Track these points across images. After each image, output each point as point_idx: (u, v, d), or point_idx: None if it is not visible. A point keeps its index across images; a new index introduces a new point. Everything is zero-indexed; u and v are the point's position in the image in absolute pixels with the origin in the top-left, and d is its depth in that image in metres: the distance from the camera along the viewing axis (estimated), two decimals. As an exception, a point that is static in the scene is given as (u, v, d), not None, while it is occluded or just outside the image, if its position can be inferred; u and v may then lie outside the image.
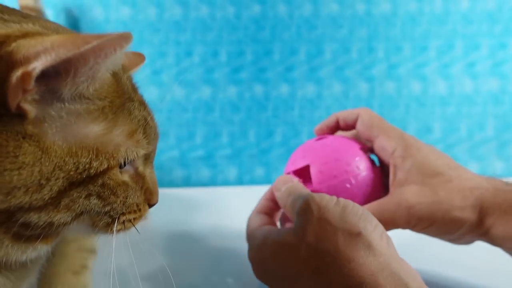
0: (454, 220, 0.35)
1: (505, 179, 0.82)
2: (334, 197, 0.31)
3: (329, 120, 0.45)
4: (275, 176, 0.81)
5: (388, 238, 0.29)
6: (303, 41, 0.80)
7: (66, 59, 0.19)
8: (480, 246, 0.39)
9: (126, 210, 0.25)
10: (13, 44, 0.19)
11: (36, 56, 0.18)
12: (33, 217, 0.21)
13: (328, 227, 0.28)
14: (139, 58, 0.33)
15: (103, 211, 0.24)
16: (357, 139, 0.43)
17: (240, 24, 0.79)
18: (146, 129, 0.26)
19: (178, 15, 0.78)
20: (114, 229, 0.25)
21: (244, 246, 0.37)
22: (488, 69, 0.81)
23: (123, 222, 0.26)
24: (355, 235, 0.28)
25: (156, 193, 0.30)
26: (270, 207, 0.40)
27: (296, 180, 0.38)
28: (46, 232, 0.22)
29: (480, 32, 0.80)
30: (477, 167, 0.81)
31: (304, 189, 0.35)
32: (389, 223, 0.35)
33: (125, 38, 0.22)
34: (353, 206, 0.30)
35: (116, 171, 0.24)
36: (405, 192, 0.36)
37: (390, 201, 0.36)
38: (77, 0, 0.77)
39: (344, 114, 0.44)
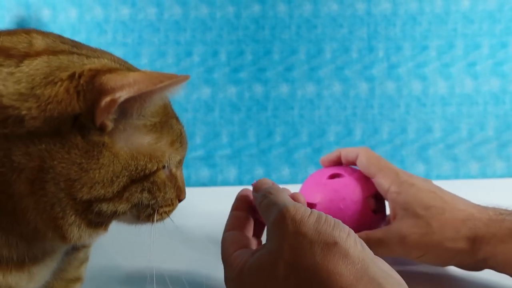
0: (447, 250, 0.38)
1: (505, 180, 0.82)
2: (308, 209, 0.31)
3: (333, 155, 0.50)
4: (275, 175, 0.81)
5: (362, 241, 0.29)
6: (303, 40, 0.79)
7: (143, 93, 0.26)
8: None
9: (164, 203, 0.31)
10: (103, 77, 0.26)
11: (122, 88, 0.25)
12: (104, 207, 0.27)
13: (304, 241, 0.28)
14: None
15: (150, 203, 0.30)
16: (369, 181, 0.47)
17: (240, 23, 0.79)
18: (181, 139, 0.32)
19: (177, 15, 0.78)
20: (155, 218, 0.31)
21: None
22: (489, 69, 0.81)
23: (161, 213, 0.32)
24: (332, 245, 0.27)
25: (184, 190, 0.35)
26: (241, 219, 0.38)
27: (275, 185, 0.38)
28: (109, 219, 0.29)
29: (481, 31, 0.80)
30: (478, 167, 0.81)
31: (281, 195, 0.34)
32: (387, 251, 0.40)
33: (187, 78, 0.28)
34: (326, 217, 0.30)
35: (162, 171, 0.30)
36: (401, 224, 0.40)
37: (388, 231, 0.41)
38: (76, 1, 0.77)
39: (346, 151, 0.48)
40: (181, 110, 0.79)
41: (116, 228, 0.40)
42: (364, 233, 0.41)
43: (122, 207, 0.28)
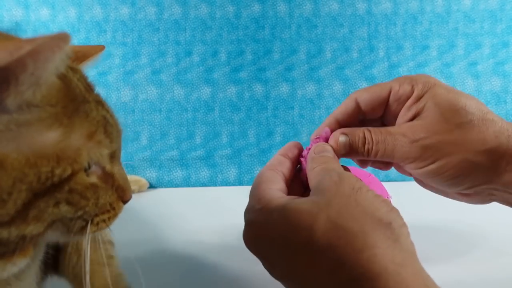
0: (463, 163, 0.30)
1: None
2: (368, 186, 0.28)
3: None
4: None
5: (412, 241, 0.26)
6: (303, 40, 0.79)
7: (1, 68, 0.18)
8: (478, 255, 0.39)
9: (99, 211, 0.25)
10: None
11: None
12: (3, 233, 0.21)
13: (357, 207, 0.25)
14: (96, 49, 0.32)
15: (76, 216, 0.24)
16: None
17: (240, 23, 0.79)
18: (107, 128, 0.25)
19: (177, 15, 0.78)
20: (88, 231, 0.25)
21: (244, 245, 0.36)
22: (490, 69, 0.80)
23: (97, 223, 0.25)
24: (384, 224, 0.25)
25: (128, 189, 0.28)
26: (285, 165, 0.33)
27: (334, 155, 0.32)
28: (21, 245, 0.22)
29: (482, 31, 0.80)
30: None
31: (340, 167, 0.30)
32: (385, 158, 0.32)
33: (62, 39, 0.20)
34: (385, 199, 0.27)
35: (82, 175, 0.23)
36: (414, 124, 0.32)
37: (395, 129, 0.32)
38: (75, 1, 0.77)
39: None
40: (181, 110, 0.79)
41: (116, 228, 0.40)
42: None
43: (31, 228, 0.22)
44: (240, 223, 0.42)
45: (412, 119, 0.32)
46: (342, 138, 0.33)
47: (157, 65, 0.78)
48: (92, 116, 0.24)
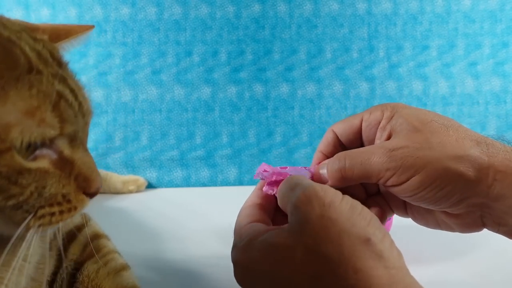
0: (446, 172, 0.28)
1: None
2: (339, 193, 0.26)
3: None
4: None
5: (399, 251, 0.25)
6: (303, 40, 0.79)
7: None
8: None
9: (45, 202, 0.22)
10: None
11: None
12: None
13: (332, 228, 0.24)
14: (83, 28, 0.30)
15: (7, 205, 0.20)
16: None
17: (240, 23, 0.79)
18: (60, 105, 0.22)
19: (178, 15, 0.78)
20: (33, 223, 0.21)
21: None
22: (490, 69, 0.80)
23: (43, 216, 0.22)
24: (364, 242, 0.24)
25: (94, 179, 0.24)
26: (266, 198, 0.34)
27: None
28: None
29: (482, 31, 0.80)
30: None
31: (305, 179, 0.29)
32: (365, 173, 0.31)
33: None
34: (362, 208, 0.26)
35: (11, 156, 0.20)
36: (390, 140, 0.31)
37: (371, 148, 0.31)
38: (75, 0, 0.77)
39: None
40: (182, 110, 0.79)
41: (116, 228, 0.40)
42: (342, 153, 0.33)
43: None
44: (240, 223, 0.42)
45: (388, 138, 0.32)
46: (323, 170, 0.33)
47: (157, 65, 0.78)
48: (39, 89, 0.21)
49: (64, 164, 0.22)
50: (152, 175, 0.78)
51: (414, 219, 0.36)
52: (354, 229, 0.24)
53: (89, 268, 0.31)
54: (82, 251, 0.32)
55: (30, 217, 0.21)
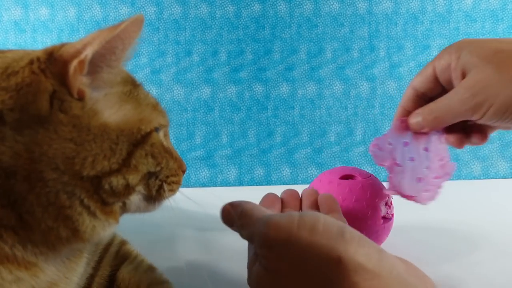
0: None
1: (508, 180, 0.81)
2: (294, 214, 0.26)
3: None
4: (275, 176, 0.81)
5: (380, 251, 0.25)
6: (303, 40, 0.79)
7: (108, 43, 0.26)
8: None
9: (170, 173, 0.31)
10: (61, 50, 0.26)
11: (84, 47, 0.25)
12: (114, 181, 0.27)
13: (297, 257, 0.24)
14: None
15: (156, 171, 0.29)
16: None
17: (240, 23, 0.78)
18: (160, 105, 0.32)
19: (177, 14, 0.78)
20: (166, 189, 0.30)
21: (244, 245, 0.36)
22: (491, 68, 0.80)
23: (170, 183, 0.31)
24: (335, 262, 0.23)
25: (183, 161, 0.34)
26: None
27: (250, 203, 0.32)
28: (122, 198, 0.28)
29: (484, 30, 0.79)
30: (480, 167, 0.80)
31: (256, 211, 0.30)
32: (454, 117, 0.35)
33: (139, 19, 0.27)
34: (324, 223, 0.25)
35: (156, 134, 0.30)
36: (466, 79, 0.33)
37: (451, 95, 0.34)
38: (75, 0, 0.76)
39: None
40: (181, 110, 0.79)
41: (117, 230, 0.40)
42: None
43: (132, 178, 0.28)
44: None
45: (462, 78, 0.34)
46: (413, 120, 0.37)
47: (157, 65, 0.78)
48: (148, 95, 0.31)
49: (167, 150, 0.31)
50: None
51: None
52: (321, 250, 0.24)
53: (125, 270, 0.36)
54: (115, 257, 0.38)
55: (165, 184, 0.30)
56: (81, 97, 0.26)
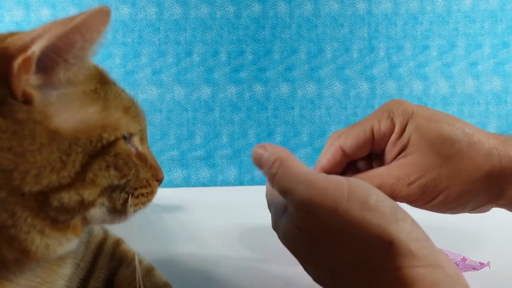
0: (465, 192, 0.30)
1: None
2: (344, 183, 0.24)
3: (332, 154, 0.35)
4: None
5: (427, 238, 0.24)
6: (303, 40, 0.79)
7: (62, 36, 0.22)
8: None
9: (138, 184, 0.27)
10: (6, 41, 0.21)
11: (32, 41, 0.21)
12: (65, 197, 0.23)
13: (339, 230, 0.22)
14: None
15: (121, 183, 0.26)
16: None
17: (240, 23, 0.79)
18: (136, 108, 0.28)
19: (178, 15, 0.78)
20: (130, 203, 0.27)
21: (244, 245, 0.36)
22: (491, 69, 0.80)
23: (138, 196, 0.27)
24: (387, 245, 0.22)
25: (160, 169, 0.31)
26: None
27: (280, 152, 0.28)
28: (76, 215, 0.24)
29: (483, 31, 0.80)
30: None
31: (295, 169, 0.26)
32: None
33: (104, 12, 0.23)
34: (376, 199, 0.23)
35: (123, 142, 0.26)
36: (405, 164, 0.31)
37: (388, 173, 0.31)
38: (76, 0, 0.77)
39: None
40: (182, 110, 0.79)
41: (116, 228, 0.40)
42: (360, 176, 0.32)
43: (89, 193, 0.24)
44: (240, 223, 0.42)
45: (399, 154, 0.32)
46: None
47: (158, 65, 0.78)
48: (123, 96, 0.27)
49: (141, 157, 0.28)
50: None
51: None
52: (372, 231, 0.22)
53: (123, 273, 0.34)
54: (111, 260, 0.35)
55: (131, 197, 0.26)
56: (27, 100, 0.22)
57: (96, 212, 0.25)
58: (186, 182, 0.79)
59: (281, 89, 0.80)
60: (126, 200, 0.26)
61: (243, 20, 0.79)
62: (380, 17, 0.79)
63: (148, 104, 0.79)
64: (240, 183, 0.79)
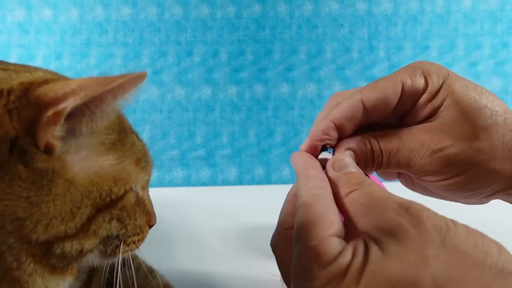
0: (491, 172, 0.26)
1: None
2: (440, 215, 0.20)
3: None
4: (275, 175, 0.81)
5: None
6: (303, 40, 0.79)
7: (93, 99, 0.22)
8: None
9: (132, 232, 0.27)
10: (39, 89, 0.21)
11: (65, 97, 0.21)
12: (67, 246, 0.23)
13: (464, 260, 0.18)
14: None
15: (119, 233, 0.26)
16: None
17: (241, 23, 0.79)
18: (146, 157, 0.29)
19: (178, 15, 0.78)
20: (121, 250, 0.27)
21: (244, 245, 0.36)
22: (490, 69, 0.80)
23: (129, 243, 0.28)
24: (506, 275, 0.18)
25: (155, 215, 0.31)
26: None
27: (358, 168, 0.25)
28: (73, 261, 0.25)
29: (482, 31, 0.80)
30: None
31: (382, 189, 0.22)
32: (402, 165, 0.27)
33: (142, 77, 0.23)
34: (477, 231, 0.19)
35: (131, 195, 0.26)
36: (433, 128, 0.26)
37: (410, 135, 0.26)
38: (77, 1, 0.77)
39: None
40: (182, 110, 0.79)
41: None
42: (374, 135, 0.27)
43: (89, 243, 0.24)
44: (240, 223, 0.42)
45: (427, 118, 0.27)
46: (347, 155, 0.27)
47: (158, 65, 0.79)
48: (137, 145, 0.28)
49: (140, 202, 0.28)
50: (153, 174, 0.78)
51: (401, 181, 0.32)
52: (489, 260, 0.18)
53: (123, 276, 0.34)
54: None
55: (122, 244, 0.27)
56: (49, 151, 0.22)
57: (90, 256, 0.26)
58: (187, 182, 0.79)
59: (281, 89, 0.80)
60: (117, 247, 0.27)
61: (244, 20, 0.79)
62: (380, 17, 0.79)
63: (148, 104, 0.79)
64: (240, 182, 0.80)
